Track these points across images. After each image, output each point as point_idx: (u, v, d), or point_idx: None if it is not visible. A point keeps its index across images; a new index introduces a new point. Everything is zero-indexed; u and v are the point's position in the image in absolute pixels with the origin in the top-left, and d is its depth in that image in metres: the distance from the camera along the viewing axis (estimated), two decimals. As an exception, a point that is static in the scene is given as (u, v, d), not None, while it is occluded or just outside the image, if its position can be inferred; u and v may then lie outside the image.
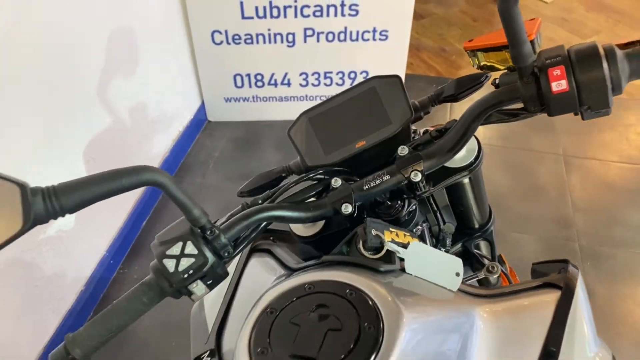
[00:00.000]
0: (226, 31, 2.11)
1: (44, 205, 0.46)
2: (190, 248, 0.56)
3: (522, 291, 0.59)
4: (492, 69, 0.66)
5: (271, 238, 0.75)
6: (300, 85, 2.31)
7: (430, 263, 0.59)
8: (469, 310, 0.55)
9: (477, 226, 0.88)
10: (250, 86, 2.30)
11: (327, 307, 0.51)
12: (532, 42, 0.57)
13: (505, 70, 0.65)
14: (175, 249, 0.56)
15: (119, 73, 1.72)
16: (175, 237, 0.56)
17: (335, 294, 0.52)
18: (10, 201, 0.47)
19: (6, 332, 1.38)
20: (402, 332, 0.47)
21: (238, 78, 2.27)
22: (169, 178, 0.51)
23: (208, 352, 0.63)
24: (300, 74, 2.27)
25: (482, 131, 2.36)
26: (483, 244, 0.91)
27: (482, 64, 0.66)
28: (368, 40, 2.18)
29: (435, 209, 0.78)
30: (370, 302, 0.50)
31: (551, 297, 0.58)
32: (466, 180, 0.77)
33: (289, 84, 2.30)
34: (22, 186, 0.45)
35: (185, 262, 0.56)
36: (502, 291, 0.59)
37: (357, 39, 2.18)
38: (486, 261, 0.83)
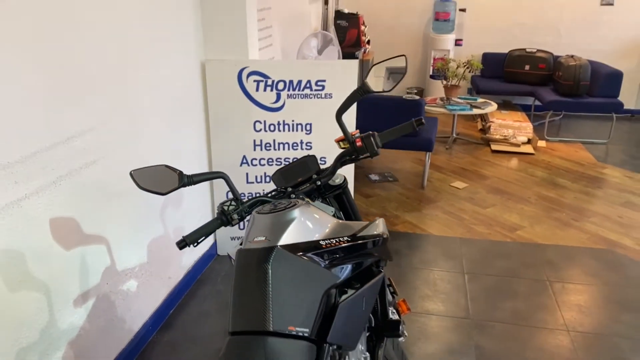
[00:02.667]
0: (236, 191, 3.30)
1: (187, 179, 1.54)
2: (234, 203, 1.62)
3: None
4: (345, 148, 1.79)
5: None
6: (283, 228, 3.41)
7: (322, 206, 1.64)
8: (330, 218, 1.57)
9: (358, 230, 1.89)
10: (249, 228, 3.39)
11: (278, 205, 1.54)
12: (353, 135, 1.71)
13: (348, 146, 1.77)
14: (228, 203, 1.62)
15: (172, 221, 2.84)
16: (229, 200, 1.62)
17: (283, 202, 1.55)
18: (173, 177, 1.55)
19: (93, 342, 2.18)
20: (302, 208, 1.49)
21: (241, 224, 3.38)
22: (228, 178, 1.60)
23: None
24: (283, 220, 3.39)
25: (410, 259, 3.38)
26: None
27: (342, 147, 1.79)
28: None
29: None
30: (294, 203, 1.53)
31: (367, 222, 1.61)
32: (341, 193, 1.83)
33: (275, 228, 3.39)
34: (179, 172, 1.54)
35: (232, 208, 1.61)
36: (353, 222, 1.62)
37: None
38: None
